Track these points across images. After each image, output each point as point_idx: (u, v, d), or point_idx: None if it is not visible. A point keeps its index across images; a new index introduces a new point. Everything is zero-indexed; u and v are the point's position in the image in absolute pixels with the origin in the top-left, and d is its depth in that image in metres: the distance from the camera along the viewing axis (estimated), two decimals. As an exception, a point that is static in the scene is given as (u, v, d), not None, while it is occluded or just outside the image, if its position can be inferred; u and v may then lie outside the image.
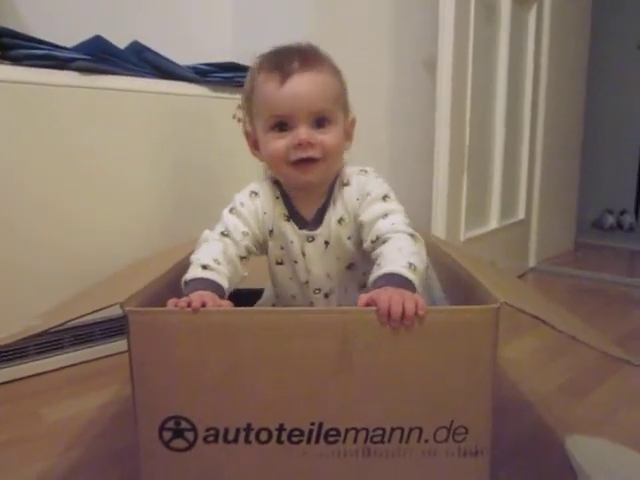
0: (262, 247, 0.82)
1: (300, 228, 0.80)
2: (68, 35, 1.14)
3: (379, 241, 0.71)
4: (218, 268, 0.70)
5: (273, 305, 0.91)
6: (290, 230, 0.80)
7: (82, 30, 1.14)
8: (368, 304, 0.57)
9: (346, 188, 0.79)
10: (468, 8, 1.50)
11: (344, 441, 0.59)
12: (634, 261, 2.46)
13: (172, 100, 1.21)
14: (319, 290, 0.82)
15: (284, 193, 0.81)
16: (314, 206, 0.80)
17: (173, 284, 0.70)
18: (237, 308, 0.58)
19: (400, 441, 0.59)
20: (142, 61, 1.22)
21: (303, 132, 0.72)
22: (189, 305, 0.57)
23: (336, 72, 0.78)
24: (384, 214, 0.74)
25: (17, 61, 1.04)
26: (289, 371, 0.57)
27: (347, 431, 0.59)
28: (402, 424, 0.58)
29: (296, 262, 0.81)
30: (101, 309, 0.57)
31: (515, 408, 0.95)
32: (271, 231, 0.81)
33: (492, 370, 0.58)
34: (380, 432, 0.59)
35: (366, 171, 0.81)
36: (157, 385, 0.58)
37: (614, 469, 0.77)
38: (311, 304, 0.83)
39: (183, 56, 1.29)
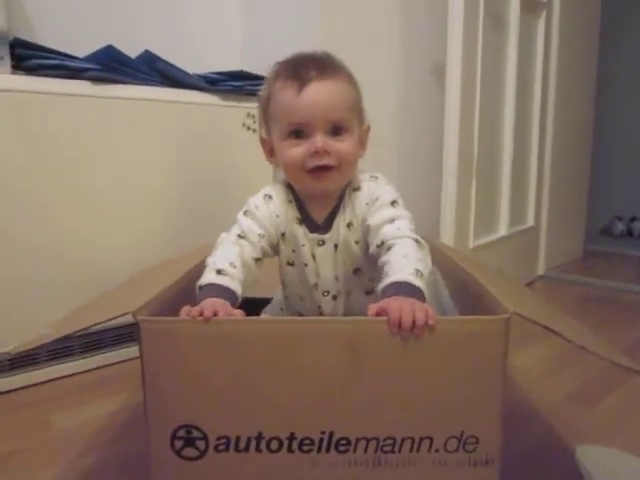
0: (275, 249, 0.83)
1: (311, 232, 0.81)
2: (80, 45, 1.15)
3: (384, 246, 0.72)
4: (232, 273, 0.71)
5: (281, 309, 0.92)
6: (301, 234, 0.81)
7: (94, 40, 1.16)
8: (378, 314, 0.57)
9: (356, 193, 0.80)
10: (477, 16, 1.50)
11: (355, 450, 0.59)
12: (644, 269, 2.44)
13: (183, 109, 1.22)
14: (327, 292, 0.83)
15: (296, 197, 0.82)
16: (325, 210, 0.81)
17: (184, 292, 0.70)
18: (248, 317, 0.58)
19: (411, 451, 0.59)
20: (153, 70, 1.23)
21: (319, 140, 0.73)
22: (201, 314, 0.57)
23: (352, 80, 0.79)
24: (391, 219, 0.74)
25: (30, 71, 1.06)
26: (299, 380, 0.57)
27: (358, 440, 0.59)
28: (412, 434, 0.58)
29: (306, 265, 0.82)
30: (113, 318, 0.57)
31: (524, 417, 0.94)
32: (283, 234, 0.82)
33: (502, 380, 0.57)
34: (391, 442, 0.59)
35: (377, 177, 0.82)
36: (169, 394, 0.58)
37: (624, 479, 0.76)
38: (319, 307, 0.84)
39: (193, 65, 1.30)
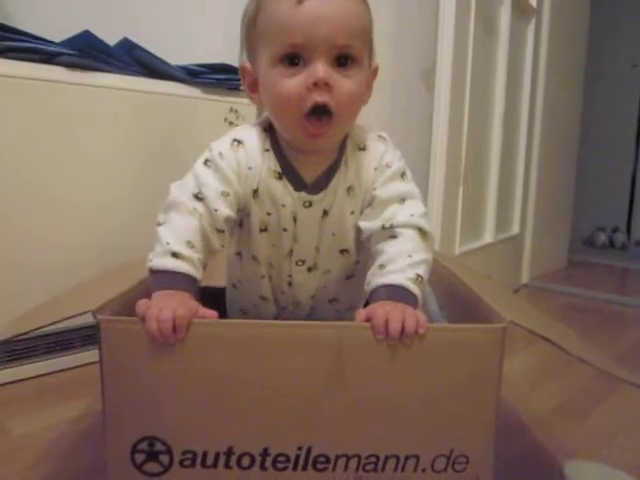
0: (244, 211, 0.68)
1: (296, 189, 0.66)
2: (56, 31, 1.10)
3: (388, 231, 0.63)
4: (191, 256, 0.59)
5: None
6: (281, 191, 0.66)
7: (71, 26, 1.10)
8: (367, 320, 0.52)
9: (362, 153, 0.67)
10: (468, 20, 1.48)
11: (334, 469, 0.54)
12: (626, 279, 2.45)
13: (161, 100, 1.17)
14: (303, 262, 0.70)
15: (277, 145, 0.67)
16: (318, 167, 0.67)
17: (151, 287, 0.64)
18: (220, 320, 0.53)
19: (395, 470, 0.54)
20: (132, 59, 1.17)
21: (321, 68, 0.57)
22: (160, 330, 0.50)
23: (366, 4, 0.64)
24: (402, 197, 0.65)
25: (0, 54, 0.99)
26: (276, 390, 0.52)
27: (337, 458, 0.54)
28: (397, 451, 0.54)
29: (285, 230, 0.68)
30: (71, 317, 0.52)
31: (511, 429, 0.91)
32: (255, 191, 0.66)
33: (496, 395, 0.53)
34: (373, 459, 0.54)
35: (385, 138, 0.70)
36: (130, 401, 0.53)
37: (614, 497, 0.74)
38: (289, 276, 0.72)
39: (174, 56, 1.25)
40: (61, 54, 1.03)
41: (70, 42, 1.08)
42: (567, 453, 0.82)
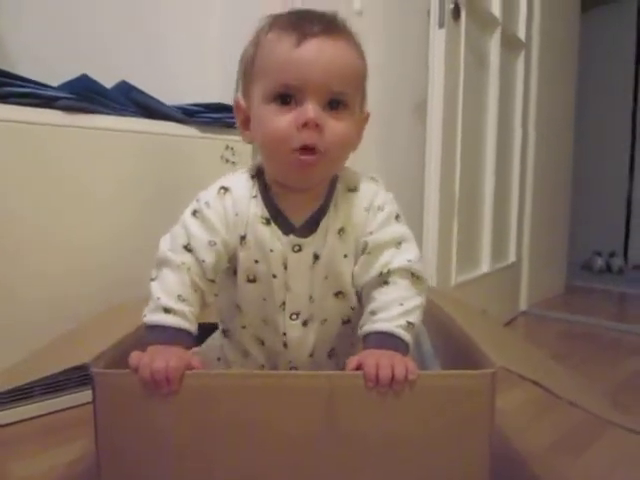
0: (232, 260, 0.68)
1: (285, 233, 0.65)
2: (55, 75, 1.12)
3: (385, 277, 0.63)
4: (182, 309, 0.60)
5: (218, 359, 0.77)
6: (269, 236, 0.65)
7: (69, 70, 1.12)
8: (357, 368, 0.53)
9: (353, 194, 0.66)
10: (458, 54, 1.51)
11: (328, 518, 0.54)
12: (624, 304, 2.45)
13: (159, 140, 1.19)
14: (297, 315, 0.68)
15: (265, 190, 0.67)
16: (306, 209, 0.66)
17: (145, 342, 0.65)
18: (213, 372, 0.54)
19: (389, 517, 0.54)
20: (129, 101, 1.20)
21: (311, 110, 0.58)
22: (153, 377, 0.52)
23: (362, 53, 0.65)
24: (398, 241, 0.65)
25: (0, 99, 1.02)
26: (268, 441, 0.53)
27: (331, 507, 0.54)
28: (391, 498, 0.54)
29: (275, 277, 0.66)
30: (66, 370, 0.52)
31: (509, 467, 0.90)
32: (243, 237, 0.65)
33: (489, 440, 0.54)
34: (367, 507, 0.54)
35: (376, 180, 0.70)
36: (124, 452, 0.53)
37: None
38: (284, 334, 0.69)
39: (170, 96, 1.28)
40: (60, 98, 1.06)
41: (68, 85, 1.11)
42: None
